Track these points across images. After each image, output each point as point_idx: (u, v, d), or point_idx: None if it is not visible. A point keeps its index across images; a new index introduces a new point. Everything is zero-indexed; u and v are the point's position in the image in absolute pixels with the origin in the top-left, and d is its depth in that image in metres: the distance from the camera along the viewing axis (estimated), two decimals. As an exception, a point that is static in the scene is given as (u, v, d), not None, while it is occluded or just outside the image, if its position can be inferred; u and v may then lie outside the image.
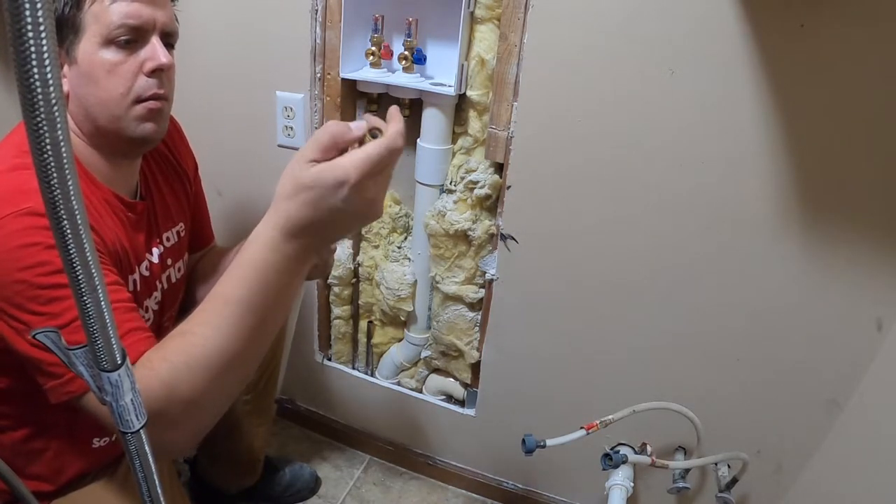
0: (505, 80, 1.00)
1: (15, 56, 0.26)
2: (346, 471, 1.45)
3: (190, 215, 0.99)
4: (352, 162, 0.51)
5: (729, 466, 1.06)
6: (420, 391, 1.39)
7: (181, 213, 0.95)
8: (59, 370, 0.60)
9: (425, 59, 1.07)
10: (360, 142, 0.54)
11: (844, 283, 0.93)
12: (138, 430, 0.42)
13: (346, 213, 0.53)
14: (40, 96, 0.27)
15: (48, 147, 0.28)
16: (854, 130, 0.84)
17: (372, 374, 1.44)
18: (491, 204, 1.13)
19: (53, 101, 0.27)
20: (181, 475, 1.31)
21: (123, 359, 0.39)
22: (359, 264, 1.32)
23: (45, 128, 0.27)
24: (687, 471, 1.08)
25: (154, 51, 0.72)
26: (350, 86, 1.15)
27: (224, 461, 1.23)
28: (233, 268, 0.55)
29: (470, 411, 1.34)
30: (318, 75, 1.14)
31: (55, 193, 0.29)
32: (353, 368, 1.46)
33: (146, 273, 0.84)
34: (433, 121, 1.09)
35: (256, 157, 1.27)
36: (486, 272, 1.17)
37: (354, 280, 1.35)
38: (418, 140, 1.12)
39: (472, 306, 1.23)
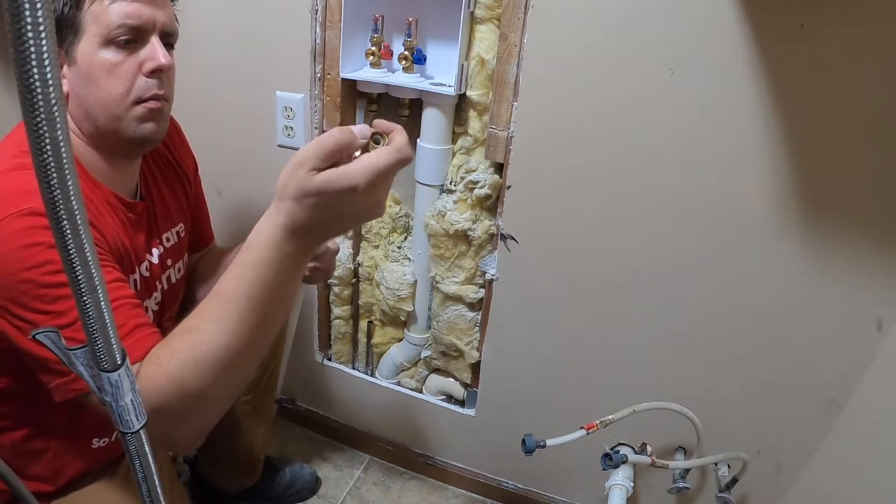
0: (505, 80, 1.00)
1: (15, 56, 0.26)
2: (346, 471, 1.45)
3: (190, 216, 0.99)
4: (361, 172, 0.51)
5: (729, 466, 1.06)
6: (420, 391, 1.39)
7: (181, 214, 0.95)
8: (65, 368, 0.60)
9: (425, 59, 1.07)
10: (364, 147, 0.53)
11: (844, 283, 0.93)
12: (138, 431, 0.42)
13: (351, 216, 0.54)
14: (40, 96, 0.27)
15: (48, 147, 0.28)
16: (854, 130, 0.84)
17: (372, 374, 1.44)
18: (491, 204, 1.13)
19: (53, 101, 0.27)
20: (181, 475, 1.31)
21: (123, 359, 0.39)
22: (359, 264, 1.31)
23: (45, 128, 0.27)
24: (687, 471, 1.08)
25: (154, 51, 0.72)
26: (350, 86, 1.15)
27: (224, 461, 1.23)
28: (235, 266, 0.56)
29: (470, 411, 1.34)
30: (318, 75, 1.14)
31: (55, 193, 0.29)
32: (353, 368, 1.45)
33: (146, 273, 0.84)
34: (433, 121, 1.09)
35: (256, 157, 1.27)
36: (486, 272, 1.17)
37: (354, 280, 1.35)
38: (418, 140, 1.12)
39: (472, 306, 1.23)
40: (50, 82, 0.27)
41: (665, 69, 0.90)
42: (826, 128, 0.86)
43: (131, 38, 0.70)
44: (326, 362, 1.45)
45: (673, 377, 1.11)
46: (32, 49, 0.26)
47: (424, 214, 1.17)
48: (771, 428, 1.07)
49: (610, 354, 1.14)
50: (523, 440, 1.03)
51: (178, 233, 0.93)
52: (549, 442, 1.02)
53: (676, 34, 0.88)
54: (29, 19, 0.25)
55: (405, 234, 1.30)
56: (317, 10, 1.08)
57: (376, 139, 0.53)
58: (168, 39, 0.76)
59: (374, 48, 1.08)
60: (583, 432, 1.01)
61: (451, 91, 1.02)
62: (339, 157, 0.52)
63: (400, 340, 1.37)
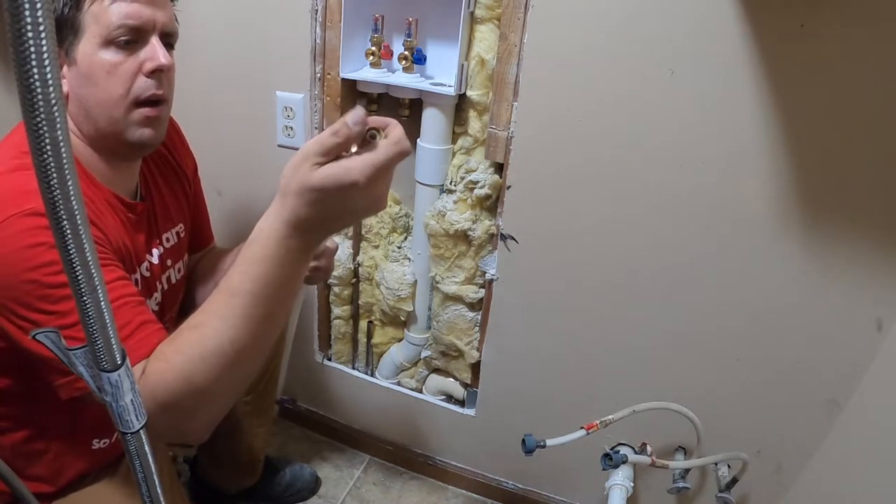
0: (505, 80, 1.00)
1: (15, 56, 0.26)
2: (346, 471, 1.45)
3: (190, 216, 0.99)
4: (362, 167, 0.51)
5: (729, 466, 1.06)
6: (420, 391, 1.39)
7: (181, 214, 0.95)
8: None
9: (425, 59, 1.07)
10: (361, 143, 0.54)
11: (844, 283, 0.93)
12: (138, 431, 0.42)
13: (353, 211, 0.55)
14: (40, 96, 0.27)
15: (48, 147, 0.28)
16: (854, 130, 0.84)
17: (372, 374, 1.44)
18: (491, 204, 1.13)
19: (53, 101, 0.27)
20: (181, 475, 1.31)
21: (123, 359, 0.39)
22: (359, 264, 1.31)
23: (45, 128, 0.27)
24: (687, 471, 1.08)
25: (154, 51, 0.72)
26: (350, 86, 1.15)
27: (224, 461, 1.23)
28: (239, 262, 0.56)
29: (470, 411, 1.34)
30: (318, 75, 1.14)
31: (55, 194, 0.29)
32: (353, 368, 1.46)
33: (147, 274, 0.84)
34: (433, 121, 1.09)
35: (256, 157, 1.27)
36: (486, 272, 1.17)
37: (354, 280, 1.35)
38: (418, 140, 1.12)
39: (472, 306, 1.23)
40: (50, 82, 0.27)
41: (665, 69, 0.90)
42: (826, 128, 0.86)
43: (131, 38, 0.70)
44: (326, 362, 1.45)
45: (673, 377, 1.11)
46: (32, 49, 0.26)
47: (424, 214, 1.17)
48: (771, 428, 1.07)
49: (610, 354, 1.14)
50: (523, 440, 1.03)
51: (177, 233, 0.93)
52: (549, 442, 1.02)
53: (676, 34, 0.88)
54: (29, 19, 0.25)
55: (405, 234, 1.30)
56: (317, 10, 1.08)
57: (373, 134, 0.53)
58: (168, 40, 0.76)
59: (374, 48, 1.08)
60: (583, 432, 1.01)
61: (451, 91, 1.02)
62: (340, 151, 0.52)
63: (400, 340, 1.37)
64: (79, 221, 0.31)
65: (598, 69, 0.94)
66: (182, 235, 0.95)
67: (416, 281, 1.26)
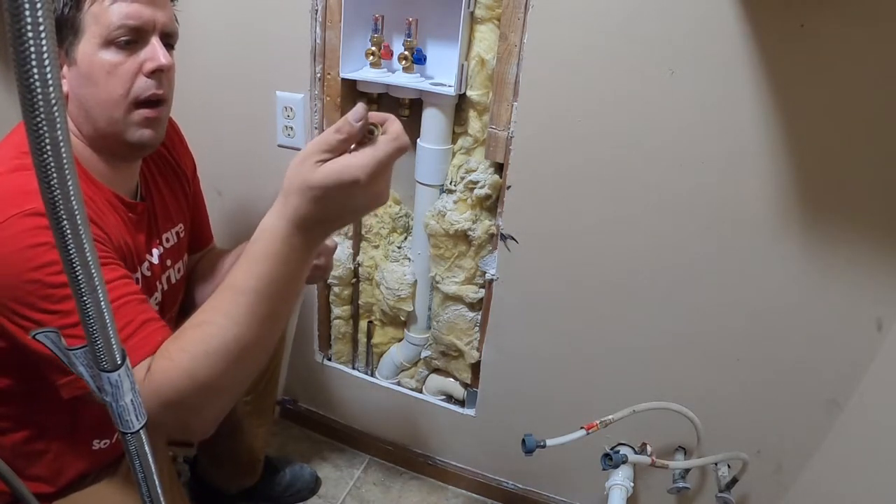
0: (505, 80, 1.00)
1: (15, 56, 0.26)
2: (346, 471, 1.45)
3: (189, 216, 0.99)
4: (362, 165, 0.52)
5: (729, 466, 1.06)
6: (420, 391, 1.39)
7: (180, 214, 0.95)
8: None
9: (425, 59, 1.07)
10: (360, 140, 0.54)
11: (844, 283, 0.93)
12: (138, 431, 0.42)
13: (355, 207, 0.56)
14: (40, 96, 0.27)
15: (48, 147, 0.28)
16: (854, 130, 0.84)
17: (372, 374, 1.44)
18: (491, 204, 1.13)
19: (53, 101, 0.27)
20: (181, 475, 1.31)
21: (123, 359, 0.39)
22: (359, 264, 1.31)
23: (45, 128, 0.27)
24: (687, 471, 1.08)
25: (154, 51, 0.72)
26: (350, 86, 1.15)
27: (224, 461, 1.23)
28: (244, 260, 0.57)
29: (470, 411, 1.34)
30: (318, 75, 1.14)
31: (55, 194, 0.29)
32: (353, 368, 1.45)
33: (147, 273, 0.84)
34: (433, 121, 1.09)
35: (256, 157, 1.27)
36: (486, 272, 1.17)
37: (354, 280, 1.35)
38: (418, 140, 1.12)
39: (472, 306, 1.23)
40: (50, 82, 0.27)
41: (665, 69, 0.90)
42: (826, 128, 0.86)
43: (131, 38, 0.70)
44: (326, 362, 1.45)
45: (673, 377, 1.11)
46: (32, 49, 0.26)
47: (424, 214, 1.17)
48: (771, 428, 1.07)
49: (610, 354, 1.14)
50: (523, 440, 1.03)
51: (177, 233, 0.93)
52: (549, 442, 1.02)
53: (676, 34, 0.88)
54: (29, 19, 0.25)
55: (405, 234, 1.30)
56: (317, 10, 1.08)
57: (371, 130, 0.54)
58: (168, 40, 0.76)
59: (374, 48, 1.08)
60: (583, 432, 1.01)
61: (451, 91, 1.02)
62: (343, 148, 0.53)
63: (400, 340, 1.37)
64: (79, 221, 0.31)
65: (598, 69, 0.94)
66: (182, 235, 0.95)
67: (416, 281, 1.26)
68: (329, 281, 1.32)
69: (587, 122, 0.98)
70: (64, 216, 0.30)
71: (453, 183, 1.13)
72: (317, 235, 0.57)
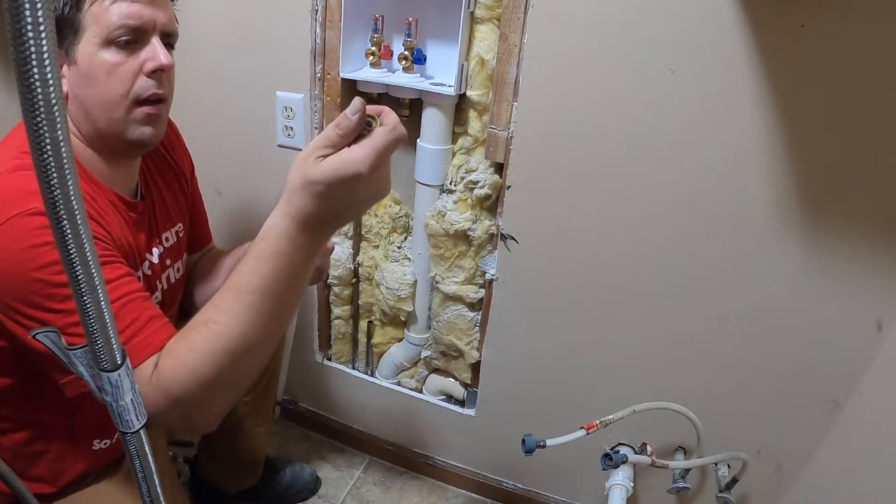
0: (505, 80, 1.00)
1: (15, 56, 0.26)
2: (346, 471, 1.45)
3: (188, 216, 0.99)
4: (363, 158, 0.53)
5: (729, 466, 1.06)
6: (420, 391, 1.39)
7: (180, 214, 0.95)
8: None
9: (425, 59, 1.07)
10: (359, 136, 0.55)
11: (844, 283, 0.93)
12: (138, 431, 0.42)
13: (358, 201, 0.56)
14: (40, 96, 0.27)
15: (48, 147, 0.28)
16: (854, 130, 0.84)
17: (372, 374, 1.44)
18: (491, 204, 1.13)
19: (53, 101, 0.27)
20: (181, 475, 1.31)
21: (123, 359, 0.39)
22: (359, 264, 1.31)
23: (45, 128, 0.27)
24: (687, 471, 1.08)
25: (154, 51, 0.72)
26: (350, 86, 1.15)
27: (224, 461, 1.23)
28: (248, 259, 0.57)
29: (470, 411, 1.34)
30: (318, 75, 1.14)
31: (55, 194, 0.29)
32: (353, 368, 1.45)
33: (148, 272, 0.84)
34: (433, 121, 1.09)
35: (256, 157, 1.27)
36: (486, 272, 1.17)
37: (354, 280, 1.35)
38: (418, 140, 1.12)
39: (472, 306, 1.23)
40: (50, 82, 0.27)
41: (665, 69, 0.90)
42: (826, 128, 0.86)
43: (132, 38, 0.70)
44: (326, 362, 1.45)
45: (673, 377, 1.11)
46: (32, 49, 0.26)
47: (424, 214, 1.17)
48: (771, 428, 1.07)
49: (610, 354, 1.14)
50: (523, 440, 1.03)
51: (177, 232, 0.93)
52: (549, 442, 1.02)
53: (676, 34, 0.88)
54: (29, 19, 0.25)
55: (405, 234, 1.30)
56: (317, 11, 1.08)
57: (369, 122, 0.55)
58: (168, 40, 0.76)
59: (374, 48, 1.08)
60: (583, 432, 1.01)
61: (451, 91, 1.02)
62: (343, 143, 0.54)
63: (400, 340, 1.37)
64: (79, 221, 0.31)
65: (598, 69, 0.94)
66: (181, 235, 0.95)
67: (416, 281, 1.26)
68: (329, 281, 1.32)
69: (587, 122, 0.98)
70: (64, 216, 0.30)
71: (453, 183, 1.13)
72: (321, 232, 0.57)
